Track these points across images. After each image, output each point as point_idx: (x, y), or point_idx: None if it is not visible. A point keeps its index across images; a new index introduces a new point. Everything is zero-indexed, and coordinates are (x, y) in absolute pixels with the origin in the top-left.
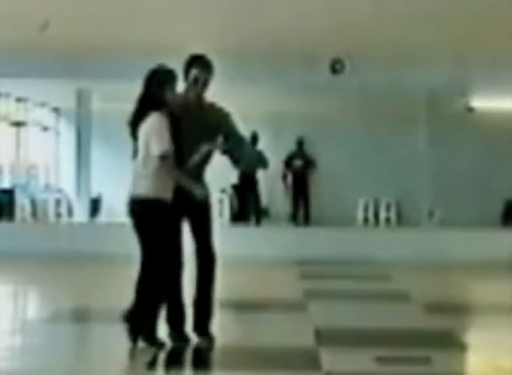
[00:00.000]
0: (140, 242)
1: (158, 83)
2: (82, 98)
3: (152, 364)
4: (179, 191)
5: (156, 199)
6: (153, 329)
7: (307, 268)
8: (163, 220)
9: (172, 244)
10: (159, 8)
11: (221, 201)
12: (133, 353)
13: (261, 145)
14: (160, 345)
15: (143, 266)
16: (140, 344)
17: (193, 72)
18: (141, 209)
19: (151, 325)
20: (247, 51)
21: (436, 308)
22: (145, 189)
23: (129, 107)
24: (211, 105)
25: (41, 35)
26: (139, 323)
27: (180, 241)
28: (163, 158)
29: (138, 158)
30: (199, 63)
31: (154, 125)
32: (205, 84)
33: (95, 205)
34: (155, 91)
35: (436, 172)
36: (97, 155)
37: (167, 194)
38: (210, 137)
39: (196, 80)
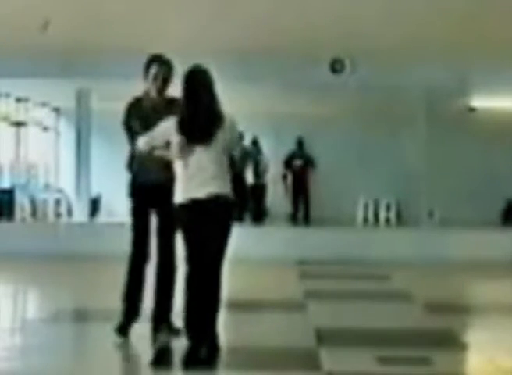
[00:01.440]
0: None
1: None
2: (82, 98)
3: (152, 364)
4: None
5: None
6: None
7: (307, 268)
8: None
9: None
10: (159, 7)
11: None
12: (133, 353)
13: (261, 146)
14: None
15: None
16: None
17: (153, 69)
18: (230, 209)
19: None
20: (246, 50)
21: (436, 308)
22: (228, 189)
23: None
24: (173, 100)
25: (41, 35)
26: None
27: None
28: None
29: (209, 156)
30: (157, 61)
31: (236, 124)
32: (165, 80)
33: (95, 205)
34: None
35: (436, 172)
36: (97, 155)
37: None
38: None
39: (155, 77)
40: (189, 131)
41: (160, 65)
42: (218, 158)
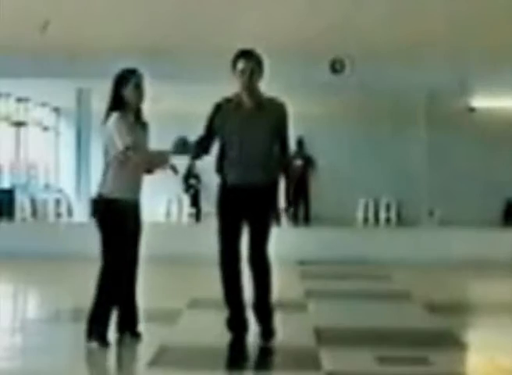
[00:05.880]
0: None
1: (118, 84)
2: (82, 98)
3: (152, 364)
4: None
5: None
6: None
7: (307, 268)
8: None
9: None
10: (159, 8)
11: None
12: (132, 353)
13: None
14: (107, 345)
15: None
16: (93, 344)
17: (239, 65)
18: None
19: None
20: None
21: (436, 307)
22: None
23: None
24: (270, 101)
25: (41, 35)
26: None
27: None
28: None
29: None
30: (244, 56)
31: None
32: (253, 74)
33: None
34: (115, 93)
35: (436, 172)
36: (97, 155)
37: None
38: (267, 139)
39: (243, 72)
40: None
41: (247, 59)
42: None
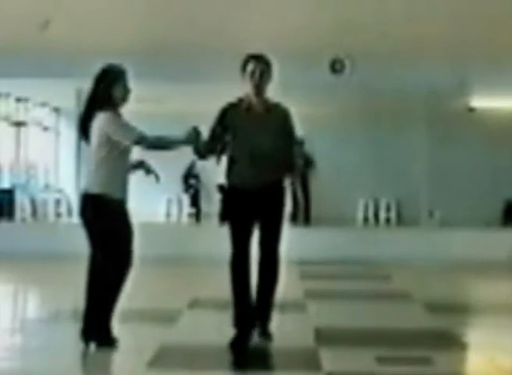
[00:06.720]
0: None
1: (106, 82)
2: (82, 98)
3: (152, 364)
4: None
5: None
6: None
7: (307, 268)
8: None
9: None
10: (160, 8)
11: None
12: (132, 353)
13: None
14: (115, 345)
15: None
16: (93, 346)
17: (249, 67)
18: None
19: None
20: (246, 50)
21: (436, 307)
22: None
23: (128, 107)
24: (276, 106)
25: (41, 35)
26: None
27: None
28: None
29: None
30: (253, 59)
31: (110, 122)
32: (262, 75)
33: None
34: (104, 90)
35: (436, 172)
36: None
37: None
38: (276, 141)
39: (252, 73)
40: None
41: (257, 61)
42: None
